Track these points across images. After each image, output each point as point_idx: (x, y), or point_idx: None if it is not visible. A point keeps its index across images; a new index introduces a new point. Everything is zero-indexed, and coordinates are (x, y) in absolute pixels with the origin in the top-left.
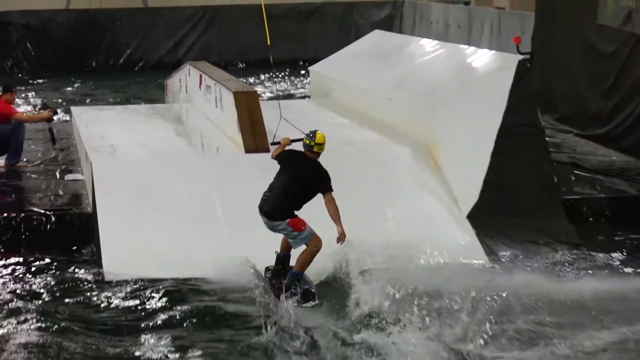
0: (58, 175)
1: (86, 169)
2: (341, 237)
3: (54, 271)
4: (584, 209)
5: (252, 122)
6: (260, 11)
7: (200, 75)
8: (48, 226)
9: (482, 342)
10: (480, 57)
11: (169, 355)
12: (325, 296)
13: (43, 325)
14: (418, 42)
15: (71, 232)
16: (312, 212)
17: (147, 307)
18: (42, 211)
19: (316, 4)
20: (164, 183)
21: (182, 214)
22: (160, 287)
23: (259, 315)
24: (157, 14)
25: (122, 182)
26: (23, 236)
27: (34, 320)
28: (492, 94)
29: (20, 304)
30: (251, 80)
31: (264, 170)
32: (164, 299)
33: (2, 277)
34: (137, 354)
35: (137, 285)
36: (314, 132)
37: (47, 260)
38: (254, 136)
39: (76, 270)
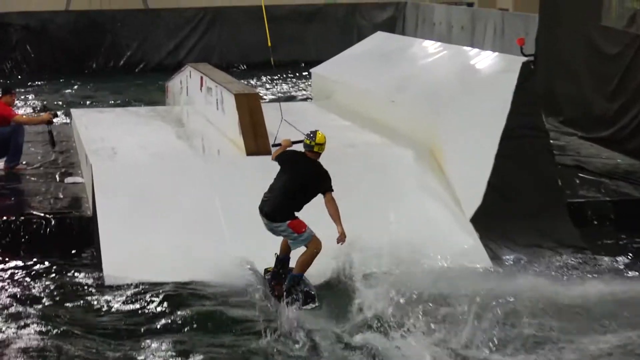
0: (58, 178)
1: (86, 172)
2: (341, 237)
3: (53, 275)
4: (589, 213)
5: (254, 124)
6: (261, 12)
7: (201, 77)
8: (48, 230)
9: (487, 347)
10: (484, 59)
11: None
12: (327, 299)
13: (43, 329)
14: (421, 44)
15: (71, 236)
16: (312, 212)
17: (148, 311)
18: (42, 214)
19: (318, 5)
20: (164, 186)
21: (183, 217)
22: (161, 291)
23: (260, 320)
24: (157, 15)
25: (122, 185)
26: (22, 240)
27: (34, 324)
28: (496, 96)
29: (19, 308)
30: (253, 82)
31: (266, 172)
32: (165, 303)
33: (1, 281)
34: (138, 358)
35: (138, 289)
36: (314, 132)
37: (47, 264)
38: (255, 138)
39: (76, 274)
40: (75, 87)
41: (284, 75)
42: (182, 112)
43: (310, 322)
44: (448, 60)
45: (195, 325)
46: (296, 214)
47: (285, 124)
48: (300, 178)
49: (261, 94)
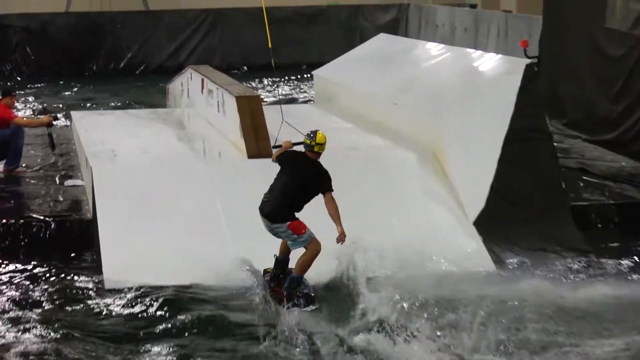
0: (58, 181)
1: (86, 175)
2: (341, 237)
3: (53, 278)
4: (593, 216)
5: (255, 126)
6: (263, 14)
7: (202, 80)
8: (47, 233)
9: (492, 352)
10: (487, 61)
11: None
12: (329, 302)
13: (42, 333)
14: (424, 46)
15: (71, 239)
16: (314, 213)
17: (148, 315)
18: (42, 217)
19: (320, 7)
20: (165, 189)
21: (183, 220)
22: (161, 294)
23: (261, 324)
24: (158, 17)
25: (122, 188)
26: (22, 243)
27: (34, 328)
28: (499, 98)
29: (19, 311)
30: (254, 84)
31: (267, 175)
32: (165, 307)
33: (1, 284)
34: None
35: (138, 293)
36: (314, 132)
37: (47, 267)
38: (256, 141)
39: (76, 277)
40: (75, 89)
41: (286, 78)
42: (183, 114)
43: (312, 325)
44: (451, 62)
45: (195, 330)
46: (296, 214)
47: (287, 125)
48: (301, 178)
49: (262, 97)
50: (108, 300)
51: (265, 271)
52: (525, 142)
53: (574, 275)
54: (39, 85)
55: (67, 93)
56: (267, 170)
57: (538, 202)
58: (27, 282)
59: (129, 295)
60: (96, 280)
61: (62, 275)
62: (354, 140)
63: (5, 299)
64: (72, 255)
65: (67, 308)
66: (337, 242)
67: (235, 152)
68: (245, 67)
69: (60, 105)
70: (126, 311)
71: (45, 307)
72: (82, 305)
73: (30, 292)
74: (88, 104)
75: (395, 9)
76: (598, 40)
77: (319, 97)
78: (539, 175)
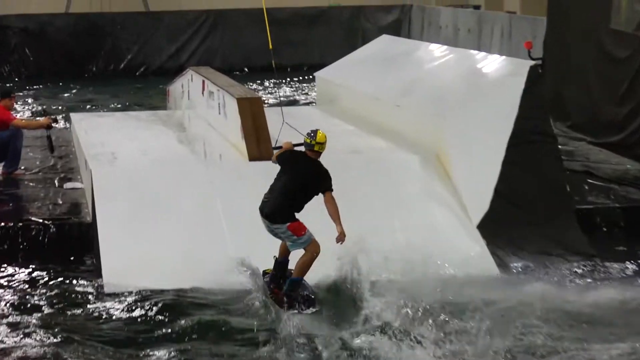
0: (57, 184)
1: (86, 177)
2: (340, 237)
3: (52, 282)
4: (598, 219)
5: (257, 129)
6: (264, 15)
7: (203, 81)
8: (46, 236)
9: (497, 357)
10: (491, 63)
11: None
12: (332, 305)
13: (42, 337)
14: (427, 47)
15: (70, 242)
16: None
17: (148, 319)
18: (41, 220)
19: (322, 8)
20: (165, 192)
21: (184, 224)
22: (162, 298)
23: (262, 329)
24: (158, 18)
25: (122, 190)
26: (21, 246)
27: (33, 332)
28: (503, 100)
29: (18, 315)
30: (255, 86)
31: (269, 178)
32: (165, 311)
33: None
34: None
35: (138, 297)
36: (314, 131)
37: (46, 270)
38: (258, 144)
39: (75, 281)
40: (75, 91)
41: (287, 79)
42: (183, 116)
43: (313, 328)
44: (454, 64)
45: (196, 335)
46: (297, 215)
47: (288, 127)
48: (301, 178)
49: (264, 98)
50: (108, 304)
51: (265, 272)
52: (529, 144)
53: (579, 279)
54: (37, 87)
55: (66, 95)
56: (269, 173)
57: (542, 206)
58: (26, 286)
59: (129, 299)
60: (96, 284)
61: (62, 279)
62: (356, 143)
63: (3, 303)
64: (72, 258)
65: (66, 312)
66: (337, 242)
67: (236, 155)
68: (246, 69)
69: (60, 107)
70: (126, 315)
71: (45, 311)
72: (81, 309)
73: (29, 296)
74: (87, 106)
75: (397, 10)
76: (603, 42)
77: (321, 99)
78: (543, 178)
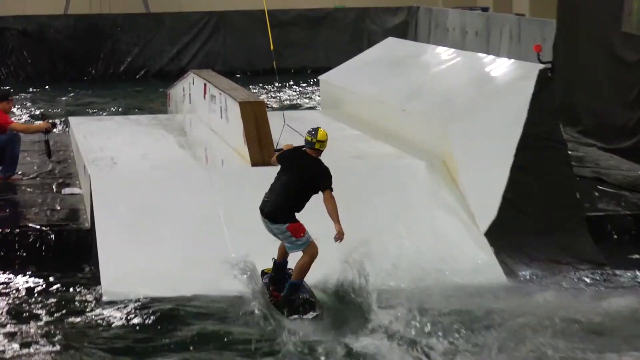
0: (55, 189)
1: (84, 183)
2: (339, 236)
3: (50, 290)
4: (609, 227)
5: (259, 133)
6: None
7: (205, 84)
8: (44, 243)
9: None
10: (499, 66)
11: None
12: (335, 313)
13: (40, 346)
14: (434, 50)
15: (68, 249)
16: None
17: (147, 328)
18: (38, 227)
19: (327, 10)
20: (166, 198)
21: (185, 231)
22: (162, 306)
23: (263, 339)
24: (159, 19)
25: (122, 196)
26: (18, 253)
27: (31, 341)
28: (512, 105)
29: (15, 324)
30: (258, 89)
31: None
32: (165, 320)
33: None
34: None
35: (138, 305)
36: (315, 129)
37: (43, 278)
38: (260, 148)
39: (73, 289)
40: (73, 94)
41: (291, 83)
42: (184, 120)
43: (315, 335)
44: (462, 67)
45: (196, 344)
46: (297, 215)
47: (291, 131)
48: (301, 176)
49: (267, 102)
50: (107, 313)
51: (264, 272)
52: (538, 150)
53: (589, 288)
54: (36, 89)
55: (64, 98)
56: (272, 179)
57: (552, 213)
58: (23, 294)
59: (129, 308)
60: (94, 292)
61: (59, 286)
62: (361, 148)
63: (0, 311)
64: (70, 266)
65: (64, 321)
66: (336, 241)
67: (238, 160)
68: (248, 72)
69: (58, 111)
70: (125, 324)
71: (43, 320)
72: (80, 317)
73: (25, 304)
74: (86, 110)
75: (404, 12)
76: (614, 45)
77: (325, 103)
78: (552, 185)
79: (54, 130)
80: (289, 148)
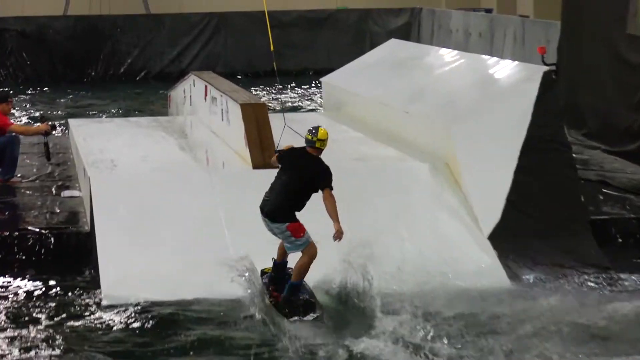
0: (54, 192)
1: (84, 185)
2: (338, 234)
3: (49, 293)
4: (613, 230)
5: (261, 135)
6: (269, 18)
7: (206, 86)
8: (43, 246)
9: None
10: (503, 68)
11: None
12: (337, 315)
13: (39, 350)
14: (437, 52)
15: (68, 252)
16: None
17: (148, 332)
18: (38, 230)
19: (329, 11)
20: (166, 200)
21: (185, 233)
22: (162, 310)
23: (264, 344)
24: (159, 21)
25: (122, 199)
26: (17, 256)
27: (30, 345)
28: (516, 107)
29: (14, 327)
30: (259, 91)
31: None
32: (165, 324)
33: None
34: None
35: (138, 309)
36: (316, 128)
37: (42, 281)
38: (262, 151)
39: (73, 292)
40: (73, 96)
41: (293, 85)
42: (185, 122)
43: (316, 337)
44: (465, 69)
45: (196, 349)
46: (297, 215)
47: (292, 133)
48: (301, 175)
49: (268, 104)
50: (106, 316)
51: (263, 272)
52: (542, 152)
53: (594, 291)
54: (35, 91)
55: (64, 100)
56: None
57: (556, 216)
58: (22, 297)
59: (129, 311)
60: (94, 296)
61: (59, 290)
62: (363, 150)
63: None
64: (69, 269)
65: (64, 324)
66: (334, 240)
67: (239, 162)
68: (249, 74)
69: (57, 112)
70: (125, 328)
71: (41, 323)
72: (80, 321)
73: (24, 308)
74: (86, 112)
75: (407, 13)
76: (619, 47)
77: (328, 105)
78: (556, 188)
79: (54, 132)
80: (288, 148)
